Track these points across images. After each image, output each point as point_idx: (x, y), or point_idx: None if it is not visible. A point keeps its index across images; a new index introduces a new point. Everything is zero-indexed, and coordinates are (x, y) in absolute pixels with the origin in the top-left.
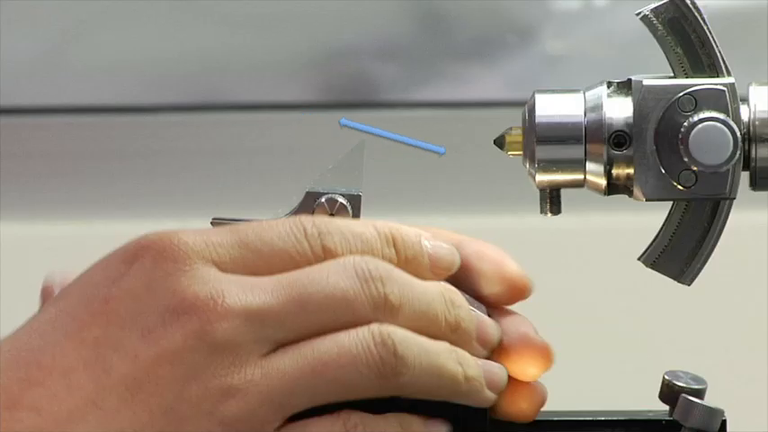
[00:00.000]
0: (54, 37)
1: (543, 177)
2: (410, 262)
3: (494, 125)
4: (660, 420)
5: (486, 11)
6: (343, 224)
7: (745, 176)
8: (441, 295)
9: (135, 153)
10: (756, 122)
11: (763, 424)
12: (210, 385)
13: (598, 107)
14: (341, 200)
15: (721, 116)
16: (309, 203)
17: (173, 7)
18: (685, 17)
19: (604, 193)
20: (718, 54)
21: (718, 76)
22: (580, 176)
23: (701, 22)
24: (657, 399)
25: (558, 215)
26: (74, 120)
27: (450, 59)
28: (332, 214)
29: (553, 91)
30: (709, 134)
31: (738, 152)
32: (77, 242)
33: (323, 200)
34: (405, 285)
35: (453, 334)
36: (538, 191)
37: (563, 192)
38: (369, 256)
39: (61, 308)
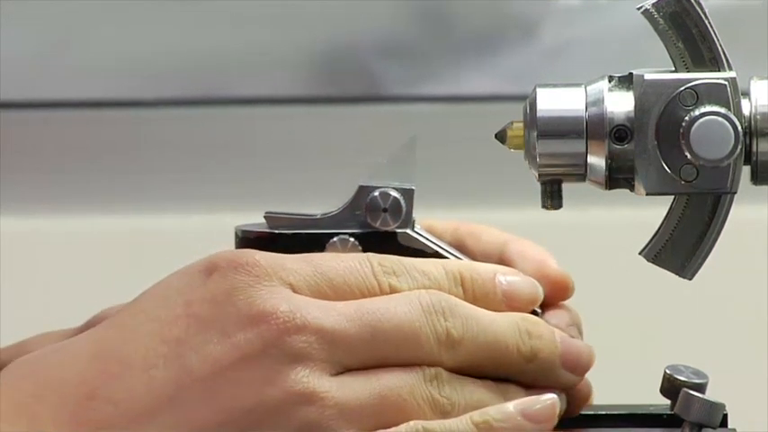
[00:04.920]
0: (55, 31)
1: (544, 172)
2: (479, 300)
3: (495, 119)
4: (661, 414)
5: (487, 5)
6: (410, 263)
7: (746, 171)
8: (514, 326)
9: (136, 148)
10: (758, 117)
11: (765, 418)
12: (291, 390)
13: (599, 101)
14: (394, 193)
15: (722, 110)
16: (362, 197)
17: (175, 3)
18: (687, 11)
19: (605, 188)
20: (720, 48)
21: (719, 71)
22: (581, 171)
23: (703, 16)
24: (659, 393)
25: (560, 209)
26: (74, 114)
27: (452, 54)
28: (384, 209)
29: (554, 85)
30: (710, 128)
31: (740, 146)
32: (77, 237)
33: (376, 193)
34: (469, 318)
35: (530, 364)
36: (539, 185)
37: (564, 186)
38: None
39: (141, 309)
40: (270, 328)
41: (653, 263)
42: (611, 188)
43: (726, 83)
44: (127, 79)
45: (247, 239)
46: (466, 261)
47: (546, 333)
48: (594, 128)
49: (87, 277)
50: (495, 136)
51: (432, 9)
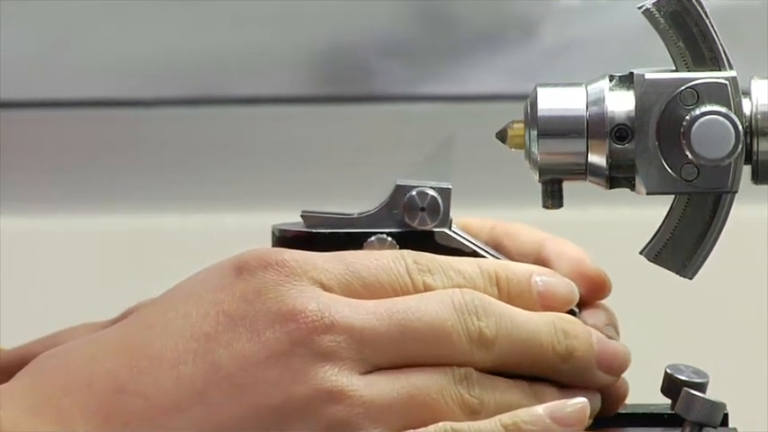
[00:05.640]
0: (55, 31)
1: (545, 171)
2: (514, 299)
3: (496, 119)
4: (662, 414)
5: (487, 4)
6: (445, 262)
7: (746, 170)
8: (550, 325)
9: (136, 148)
10: (758, 116)
11: (765, 417)
12: (319, 388)
13: (600, 101)
14: (431, 192)
15: (723, 110)
16: (399, 196)
17: (175, 3)
18: (687, 11)
19: (606, 187)
20: (720, 48)
21: (720, 70)
22: (582, 170)
23: (703, 15)
24: (659, 392)
25: (560, 209)
26: (74, 114)
27: (452, 53)
28: (422, 208)
29: (555, 84)
30: (711, 128)
31: (740, 146)
32: (77, 237)
33: (413, 192)
34: (503, 317)
35: (565, 364)
36: (539, 185)
37: (565, 185)
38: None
39: (171, 305)
40: (298, 327)
41: (654, 262)
42: (611, 187)
43: (726, 82)
44: (127, 79)
45: (285, 238)
46: (502, 260)
47: (582, 333)
48: (595, 127)
49: (87, 277)
50: (496, 135)
51: (432, 9)
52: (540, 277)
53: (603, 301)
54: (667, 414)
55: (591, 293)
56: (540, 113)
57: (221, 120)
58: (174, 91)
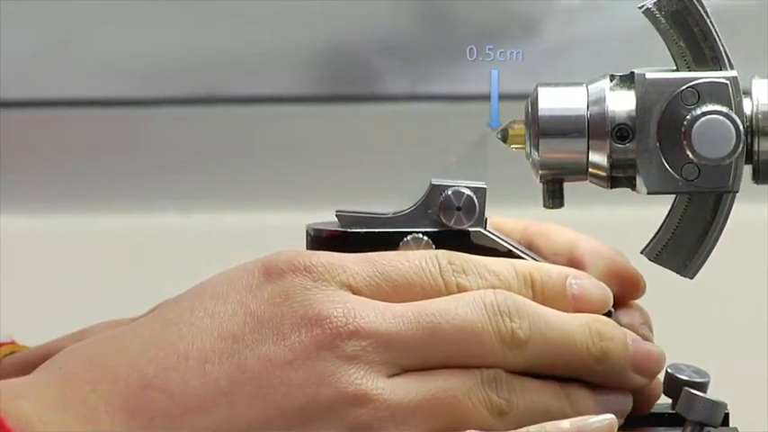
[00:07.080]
0: (55, 31)
1: (546, 171)
2: (548, 302)
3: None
4: (663, 414)
5: (488, 4)
6: (480, 262)
7: (747, 169)
8: (585, 327)
9: (136, 147)
10: (759, 116)
11: (765, 417)
12: (344, 391)
13: (601, 100)
14: (467, 192)
15: (724, 109)
16: (435, 196)
17: (175, 3)
18: (688, 10)
19: (607, 187)
20: (721, 47)
21: (720, 70)
22: (583, 170)
23: (704, 15)
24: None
25: (561, 209)
26: (74, 113)
27: (453, 52)
28: (458, 207)
29: (556, 84)
30: (711, 127)
31: (741, 145)
32: (77, 237)
33: (449, 192)
34: (537, 318)
35: (599, 365)
36: (540, 184)
37: (565, 185)
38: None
39: (199, 303)
40: (324, 332)
41: (654, 262)
42: (612, 187)
43: (727, 82)
44: (127, 79)
45: (319, 238)
46: (537, 262)
47: (617, 334)
48: (596, 127)
49: (87, 277)
50: (497, 135)
51: (433, 8)
52: (575, 280)
53: (637, 301)
54: (668, 414)
55: (625, 293)
56: (540, 113)
57: (221, 120)
58: (174, 91)
